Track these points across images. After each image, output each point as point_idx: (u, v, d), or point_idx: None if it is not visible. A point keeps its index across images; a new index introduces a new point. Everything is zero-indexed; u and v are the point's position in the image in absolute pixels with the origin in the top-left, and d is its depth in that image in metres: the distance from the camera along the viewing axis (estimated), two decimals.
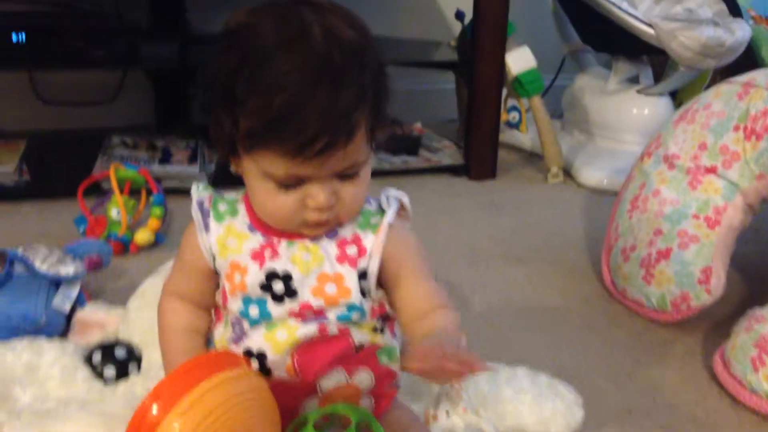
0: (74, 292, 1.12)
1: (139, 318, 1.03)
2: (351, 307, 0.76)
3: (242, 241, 0.76)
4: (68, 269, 1.11)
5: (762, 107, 1.23)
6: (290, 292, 0.75)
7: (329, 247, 0.76)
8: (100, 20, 1.86)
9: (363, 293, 0.76)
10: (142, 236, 1.40)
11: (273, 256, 0.75)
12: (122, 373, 0.97)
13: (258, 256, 0.75)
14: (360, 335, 0.77)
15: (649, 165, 1.36)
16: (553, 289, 1.36)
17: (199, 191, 0.80)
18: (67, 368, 0.96)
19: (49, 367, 0.95)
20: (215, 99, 0.71)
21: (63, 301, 1.10)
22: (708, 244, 1.22)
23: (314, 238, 0.76)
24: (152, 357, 0.98)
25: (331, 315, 0.75)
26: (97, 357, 0.98)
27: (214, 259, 0.77)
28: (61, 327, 1.09)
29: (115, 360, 0.98)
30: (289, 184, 0.71)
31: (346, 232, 0.77)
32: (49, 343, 0.99)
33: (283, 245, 0.75)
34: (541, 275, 1.41)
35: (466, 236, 1.58)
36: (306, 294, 0.75)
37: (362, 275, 0.76)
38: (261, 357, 0.75)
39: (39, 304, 1.07)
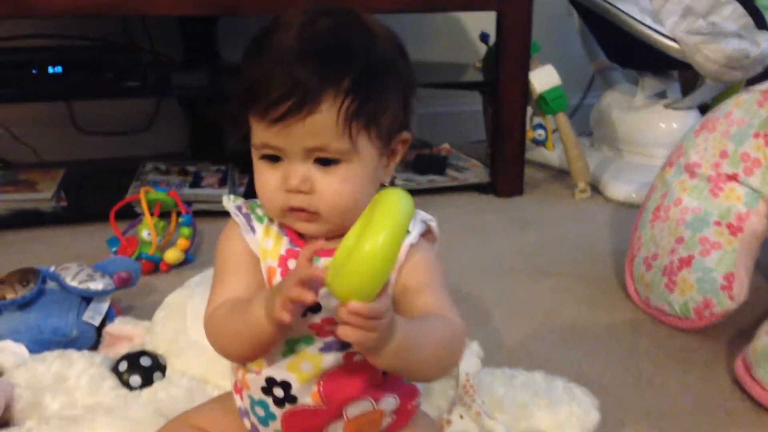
0: (104, 307, 1.16)
1: (163, 328, 1.06)
2: None
3: (278, 244, 0.75)
4: (97, 285, 1.15)
5: None
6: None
7: None
8: (134, 53, 1.93)
9: None
10: (172, 255, 1.44)
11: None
12: (147, 380, 1.00)
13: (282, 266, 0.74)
14: None
15: (671, 175, 1.36)
16: (576, 300, 1.36)
17: (232, 200, 0.79)
18: (94, 377, 0.99)
19: (77, 376, 0.99)
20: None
21: (93, 315, 1.14)
22: (730, 250, 1.22)
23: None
24: (176, 365, 1.02)
25: None
26: (123, 366, 1.01)
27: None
28: (92, 340, 1.13)
29: (140, 368, 1.01)
30: (268, 155, 0.71)
31: None
32: (78, 354, 1.03)
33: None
34: (565, 287, 1.41)
35: (491, 251, 1.58)
36: None
37: None
38: (285, 385, 0.73)
39: (70, 318, 1.11)
